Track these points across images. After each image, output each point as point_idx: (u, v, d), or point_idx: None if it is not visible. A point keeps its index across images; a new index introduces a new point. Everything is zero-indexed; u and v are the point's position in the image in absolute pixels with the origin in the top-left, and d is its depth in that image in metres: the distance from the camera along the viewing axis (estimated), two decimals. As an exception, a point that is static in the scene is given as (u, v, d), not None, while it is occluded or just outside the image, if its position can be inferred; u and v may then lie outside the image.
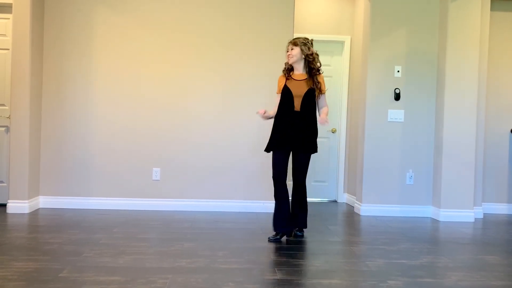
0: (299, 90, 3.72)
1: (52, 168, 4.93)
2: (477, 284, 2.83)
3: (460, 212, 4.92)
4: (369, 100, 5.10)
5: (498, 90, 5.50)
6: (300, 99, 3.71)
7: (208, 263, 3.08)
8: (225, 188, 5.06)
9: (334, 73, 6.10)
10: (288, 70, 3.83)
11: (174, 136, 5.03)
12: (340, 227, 4.61)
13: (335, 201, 6.11)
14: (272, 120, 3.92)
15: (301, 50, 3.73)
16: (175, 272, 2.87)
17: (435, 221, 4.87)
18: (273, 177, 3.79)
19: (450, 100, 4.92)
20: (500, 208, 5.53)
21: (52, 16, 4.90)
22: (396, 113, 5.10)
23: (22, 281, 2.62)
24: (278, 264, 3.14)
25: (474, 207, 5.07)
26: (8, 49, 4.86)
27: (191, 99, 5.04)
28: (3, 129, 4.92)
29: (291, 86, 3.74)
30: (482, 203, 5.36)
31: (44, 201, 4.93)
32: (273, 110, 3.91)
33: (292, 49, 3.76)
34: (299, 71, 3.80)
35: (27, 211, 4.61)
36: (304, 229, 3.99)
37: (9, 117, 4.82)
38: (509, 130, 5.53)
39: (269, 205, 4.87)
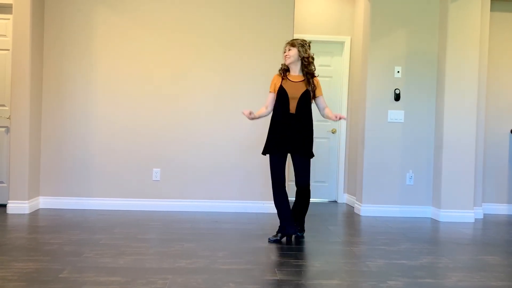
0: (295, 92, 3.71)
1: (52, 169, 4.93)
2: (477, 285, 2.83)
3: (460, 212, 4.92)
4: (369, 101, 5.10)
5: (498, 90, 5.50)
6: (296, 101, 3.70)
7: (208, 264, 3.08)
8: (225, 188, 5.06)
9: (334, 73, 6.10)
10: (284, 70, 3.81)
11: (174, 136, 5.03)
12: (340, 227, 4.62)
13: (335, 202, 6.11)
14: (263, 120, 3.88)
15: (298, 51, 3.72)
16: (175, 272, 2.87)
17: (435, 222, 4.88)
18: (273, 181, 3.78)
19: (450, 100, 4.92)
20: (500, 209, 5.53)
21: (52, 16, 4.90)
22: (396, 113, 5.10)
23: (22, 282, 2.62)
24: (278, 265, 3.14)
25: (474, 208, 5.06)
26: (8, 50, 4.86)
27: (191, 99, 5.04)
28: (3, 129, 4.92)
29: (287, 87, 3.73)
30: (482, 204, 5.36)
31: (44, 202, 4.93)
32: (261, 110, 3.88)
33: (289, 50, 3.75)
34: (295, 72, 3.79)
35: (27, 211, 4.61)
36: (304, 230, 3.98)
37: (9, 118, 4.82)
38: (509, 131, 5.53)
39: (269, 206, 4.87)
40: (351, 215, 5.17)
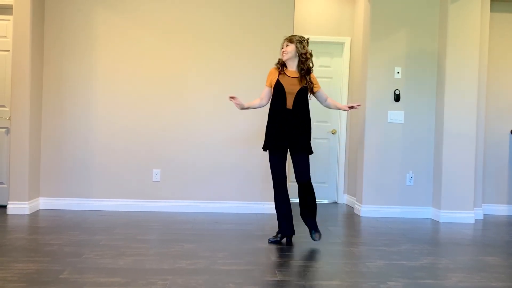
0: (292, 88, 3.69)
1: (52, 169, 4.93)
2: (478, 285, 2.83)
3: (460, 213, 4.92)
4: (369, 101, 5.10)
5: (498, 90, 5.51)
6: (293, 97, 3.68)
7: (208, 264, 3.08)
8: (225, 189, 5.06)
9: (334, 74, 6.10)
10: (281, 65, 3.79)
11: (174, 137, 5.03)
12: (340, 228, 4.61)
13: (335, 202, 6.11)
14: (264, 120, 3.88)
15: (296, 47, 3.70)
16: (175, 273, 2.87)
17: (435, 222, 4.87)
18: (273, 180, 3.77)
19: (450, 101, 4.92)
20: (500, 209, 5.53)
21: (52, 17, 4.90)
22: (396, 114, 5.10)
23: (22, 283, 2.62)
24: (278, 266, 3.14)
25: (474, 208, 5.06)
26: (8, 51, 4.86)
27: (191, 99, 5.04)
28: (3, 130, 4.91)
29: (284, 82, 3.70)
30: (482, 204, 5.36)
31: (44, 202, 4.93)
32: (254, 101, 3.88)
33: (287, 46, 3.73)
34: (292, 68, 3.76)
35: (27, 212, 4.61)
36: (319, 232, 3.76)
37: (9, 118, 4.82)
38: (509, 131, 5.53)
39: (269, 206, 4.88)
40: (351, 216, 5.17)
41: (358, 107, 3.94)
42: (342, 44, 6.07)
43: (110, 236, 3.80)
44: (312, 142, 3.84)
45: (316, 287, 2.71)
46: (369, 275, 2.98)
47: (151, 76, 5.00)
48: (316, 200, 3.83)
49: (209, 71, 5.05)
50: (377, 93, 5.10)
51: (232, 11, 5.05)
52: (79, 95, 4.95)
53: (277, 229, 3.85)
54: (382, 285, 2.77)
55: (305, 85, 3.71)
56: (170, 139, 5.03)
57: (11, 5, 4.66)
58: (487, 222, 5.03)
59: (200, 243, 3.66)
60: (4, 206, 4.81)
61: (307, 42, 3.77)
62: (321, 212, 5.28)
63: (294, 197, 3.95)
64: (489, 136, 5.46)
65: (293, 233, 3.81)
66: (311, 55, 3.75)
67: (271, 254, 3.44)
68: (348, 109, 3.93)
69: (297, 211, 3.80)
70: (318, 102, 3.98)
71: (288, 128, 3.67)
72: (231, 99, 3.78)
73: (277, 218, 3.82)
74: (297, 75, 3.73)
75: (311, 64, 3.75)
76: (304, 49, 3.70)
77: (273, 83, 3.75)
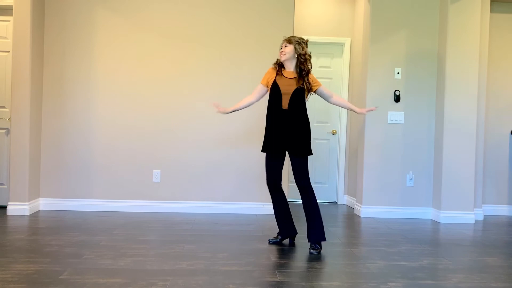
0: (287, 88, 3.65)
1: (52, 170, 4.93)
2: (478, 286, 2.82)
3: (460, 214, 4.92)
4: (369, 102, 5.10)
5: (498, 91, 5.51)
6: (288, 97, 3.64)
7: (209, 265, 3.08)
8: (225, 189, 5.07)
9: (334, 75, 6.11)
10: (279, 66, 3.76)
11: (174, 138, 5.03)
12: (340, 228, 4.61)
13: (335, 203, 6.11)
14: (264, 122, 3.87)
15: (295, 48, 3.67)
16: (175, 274, 2.87)
17: (435, 223, 4.87)
18: (267, 183, 3.76)
19: (450, 101, 4.92)
20: (500, 210, 5.53)
21: (52, 18, 4.91)
22: (396, 115, 5.10)
23: (22, 283, 2.62)
24: (278, 266, 3.14)
25: (474, 209, 5.07)
26: (8, 51, 4.86)
27: (192, 100, 5.04)
28: (3, 131, 4.92)
29: (280, 83, 3.67)
30: (482, 205, 5.36)
31: (44, 203, 4.93)
32: (241, 101, 3.85)
33: (286, 46, 3.70)
34: (290, 69, 3.73)
35: (27, 213, 4.61)
36: (320, 243, 3.61)
37: (9, 119, 4.83)
38: (509, 132, 5.53)
39: (269, 207, 4.88)
40: (351, 217, 5.17)
41: (375, 109, 3.94)
42: (342, 44, 6.08)
43: (110, 236, 3.81)
44: (312, 142, 3.83)
45: (316, 288, 2.71)
46: (369, 275, 2.98)
47: (151, 76, 5.01)
48: (317, 201, 3.78)
49: (209, 72, 5.05)
50: (377, 94, 5.10)
51: (232, 12, 5.05)
52: (79, 96, 4.96)
53: (278, 229, 3.85)
54: (382, 286, 2.77)
55: (301, 86, 3.67)
56: (170, 140, 5.03)
57: (11, 6, 4.66)
58: (487, 222, 5.03)
59: (200, 243, 3.66)
60: (4, 207, 4.81)
61: (307, 43, 3.76)
62: (321, 212, 5.28)
63: (297, 198, 3.93)
64: (489, 136, 5.46)
65: (295, 233, 3.80)
66: (310, 56, 3.72)
67: (271, 254, 3.44)
68: (365, 112, 3.92)
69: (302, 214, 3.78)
70: (318, 102, 3.96)
71: (284, 130, 3.64)
72: (215, 107, 3.77)
73: (276, 220, 3.82)
74: (294, 75, 3.71)
75: (309, 66, 3.72)
76: (303, 50, 3.67)
77: (270, 84, 3.72)
